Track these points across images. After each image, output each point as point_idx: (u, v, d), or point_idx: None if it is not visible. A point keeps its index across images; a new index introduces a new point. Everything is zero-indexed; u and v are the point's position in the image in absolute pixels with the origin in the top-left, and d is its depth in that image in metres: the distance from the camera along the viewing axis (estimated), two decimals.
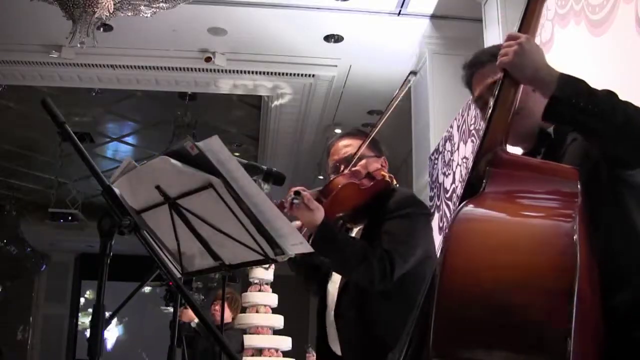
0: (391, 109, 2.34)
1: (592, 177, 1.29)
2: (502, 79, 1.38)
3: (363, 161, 2.28)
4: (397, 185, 2.34)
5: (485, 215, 1.15)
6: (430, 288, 1.10)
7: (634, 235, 1.32)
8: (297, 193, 2.05)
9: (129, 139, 8.48)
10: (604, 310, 1.16)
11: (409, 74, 2.27)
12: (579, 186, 1.18)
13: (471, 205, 1.15)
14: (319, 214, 2.05)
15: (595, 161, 1.34)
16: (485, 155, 1.30)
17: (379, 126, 2.32)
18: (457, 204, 1.19)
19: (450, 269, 1.03)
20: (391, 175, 2.30)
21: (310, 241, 2.04)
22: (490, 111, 1.36)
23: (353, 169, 2.25)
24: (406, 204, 2.22)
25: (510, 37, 1.39)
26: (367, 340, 2.06)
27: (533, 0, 1.41)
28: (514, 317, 0.97)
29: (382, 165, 2.33)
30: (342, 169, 2.28)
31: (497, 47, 1.61)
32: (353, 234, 2.30)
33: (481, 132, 1.36)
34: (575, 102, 1.27)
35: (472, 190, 1.24)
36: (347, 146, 2.32)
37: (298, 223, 2.08)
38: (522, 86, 1.40)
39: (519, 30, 1.40)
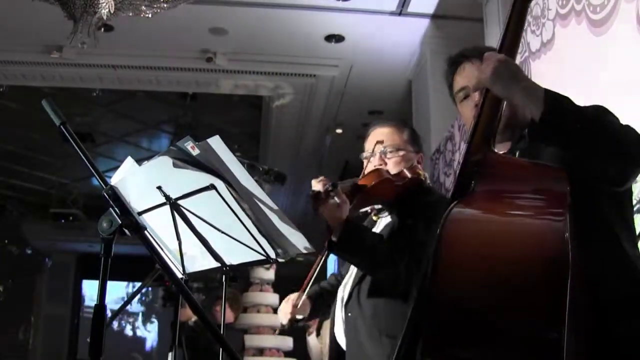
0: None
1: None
2: (484, 96, 1.35)
3: (401, 153, 2.22)
4: (430, 183, 2.31)
5: (476, 216, 1.16)
6: (422, 287, 1.10)
7: (611, 242, 1.32)
8: (334, 185, 1.99)
9: (130, 139, 8.48)
10: (591, 307, 1.17)
11: (324, 250, 2.13)
12: (568, 186, 1.18)
13: (461, 206, 1.15)
14: (345, 208, 1.99)
15: (571, 167, 1.30)
16: (474, 155, 1.29)
17: None
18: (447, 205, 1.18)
19: (442, 270, 1.04)
20: (425, 173, 2.27)
21: (335, 238, 1.99)
22: (476, 117, 1.34)
23: (391, 162, 2.20)
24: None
25: (487, 57, 1.34)
26: (376, 340, 2.04)
27: (514, 19, 1.36)
28: (507, 315, 0.97)
29: (418, 162, 2.29)
30: (379, 158, 2.21)
31: (485, 47, 1.62)
32: (379, 227, 2.25)
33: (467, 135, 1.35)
34: (564, 123, 1.23)
35: (461, 192, 1.24)
36: (391, 133, 2.25)
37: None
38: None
39: (500, 49, 1.36)
